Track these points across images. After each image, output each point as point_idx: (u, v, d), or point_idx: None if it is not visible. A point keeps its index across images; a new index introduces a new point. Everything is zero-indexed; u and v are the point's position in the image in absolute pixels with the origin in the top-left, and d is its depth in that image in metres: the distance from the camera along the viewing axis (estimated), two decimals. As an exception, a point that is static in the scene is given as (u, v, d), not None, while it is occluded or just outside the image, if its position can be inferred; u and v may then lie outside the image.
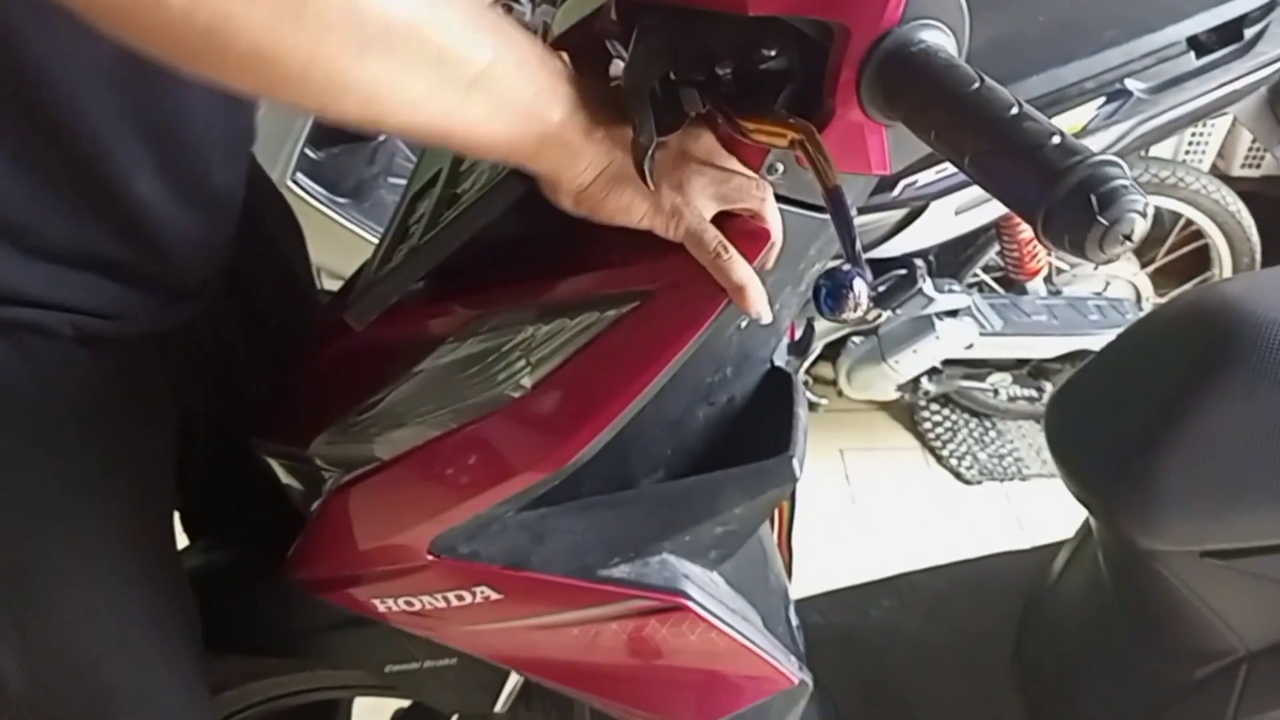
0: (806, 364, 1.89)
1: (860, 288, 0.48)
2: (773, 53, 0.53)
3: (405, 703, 1.15)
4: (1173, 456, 0.85)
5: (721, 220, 0.60)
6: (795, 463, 0.72)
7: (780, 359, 0.82)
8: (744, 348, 0.75)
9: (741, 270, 0.58)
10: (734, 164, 0.59)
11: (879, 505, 2.00)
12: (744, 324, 0.71)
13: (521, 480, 0.67)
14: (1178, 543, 0.87)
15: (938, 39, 0.49)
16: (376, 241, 1.57)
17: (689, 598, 0.74)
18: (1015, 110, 0.44)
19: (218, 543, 0.97)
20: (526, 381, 0.65)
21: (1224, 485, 0.84)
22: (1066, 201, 0.40)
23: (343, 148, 1.53)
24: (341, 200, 1.54)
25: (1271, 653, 0.90)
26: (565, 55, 0.64)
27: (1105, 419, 0.93)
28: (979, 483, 2.04)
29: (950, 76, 0.46)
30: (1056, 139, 0.42)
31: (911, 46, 0.49)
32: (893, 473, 2.08)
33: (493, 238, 0.66)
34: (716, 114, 0.55)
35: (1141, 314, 1.96)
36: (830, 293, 0.48)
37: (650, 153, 0.52)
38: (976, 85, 0.46)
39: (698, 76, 0.55)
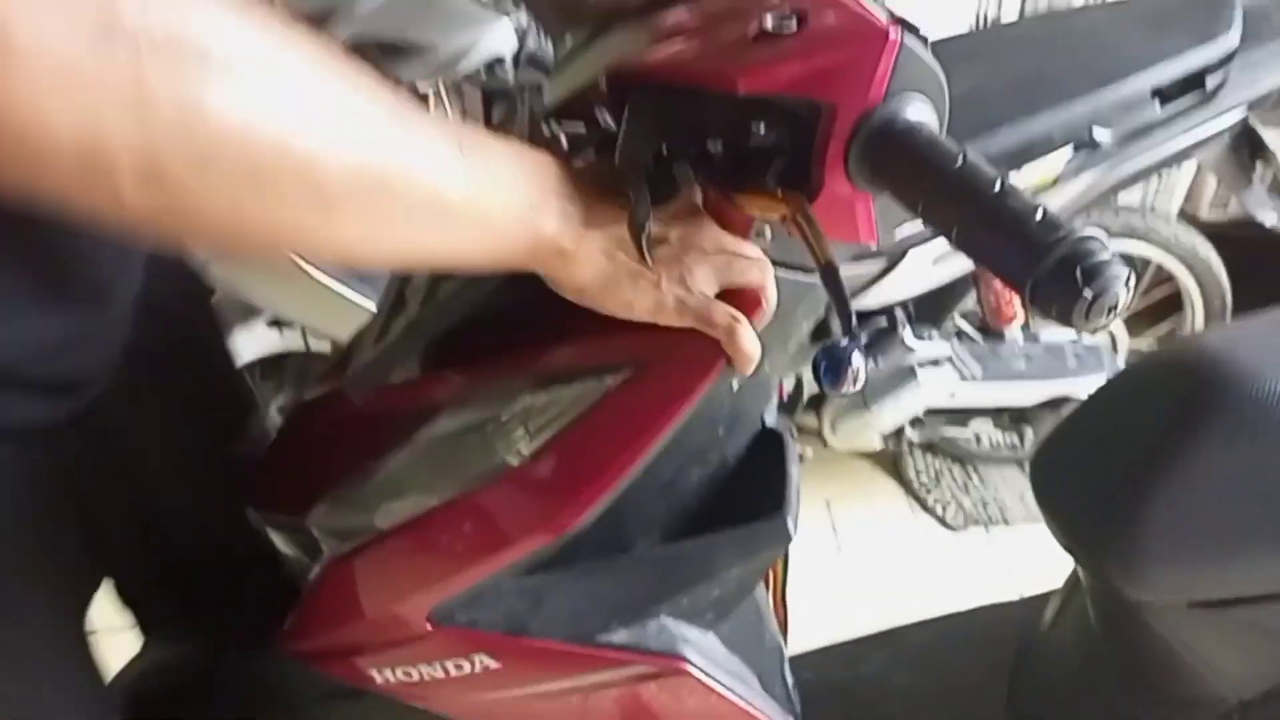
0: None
1: (858, 361, 0.49)
2: (762, 129, 0.55)
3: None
4: (1157, 508, 0.86)
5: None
6: (790, 522, 0.73)
7: (770, 419, 0.83)
8: (736, 409, 0.77)
9: (751, 338, 0.58)
10: (735, 245, 0.59)
11: (866, 554, 2.00)
12: (736, 386, 0.72)
13: (521, 548, 0.68)
14: (1164, 593, 0.88)
15: (920, 111, 0.51)
16: (358, 304, 1.58)
17: (688, 661, 0.74)
18: (998, 187, 0.46)
19: (183, 628, 0.96)
20: (525, 450, 0.65)
21: (1208, 536, 0.85)
22: (1052, 275, 0.42)
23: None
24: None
25: (1262, 701, 0.91)
26: (559, 138, 0.66)
27: (1089, 470, 0.95)
28: (963, 529, 2.05)
29: (934, 153, 0.48)
30: (1040, 214, 0.44)
31: (895, 123, 0.51)
32: (878, 521, 2.09)
33: (487, 306, 0.67)
34: (709, 187, 0.57)
35: (1117, 358, 1.99)
36: (829, 368, 0.50)
37: (646, 230, 0.53)
38: (959, 163, 0.47)
39: (690, 151, 0.56)
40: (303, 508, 0.76)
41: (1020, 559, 1.98)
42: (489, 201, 0.50)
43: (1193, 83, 1.60)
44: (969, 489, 2.13)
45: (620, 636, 0.74)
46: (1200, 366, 0.88)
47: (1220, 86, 1.60)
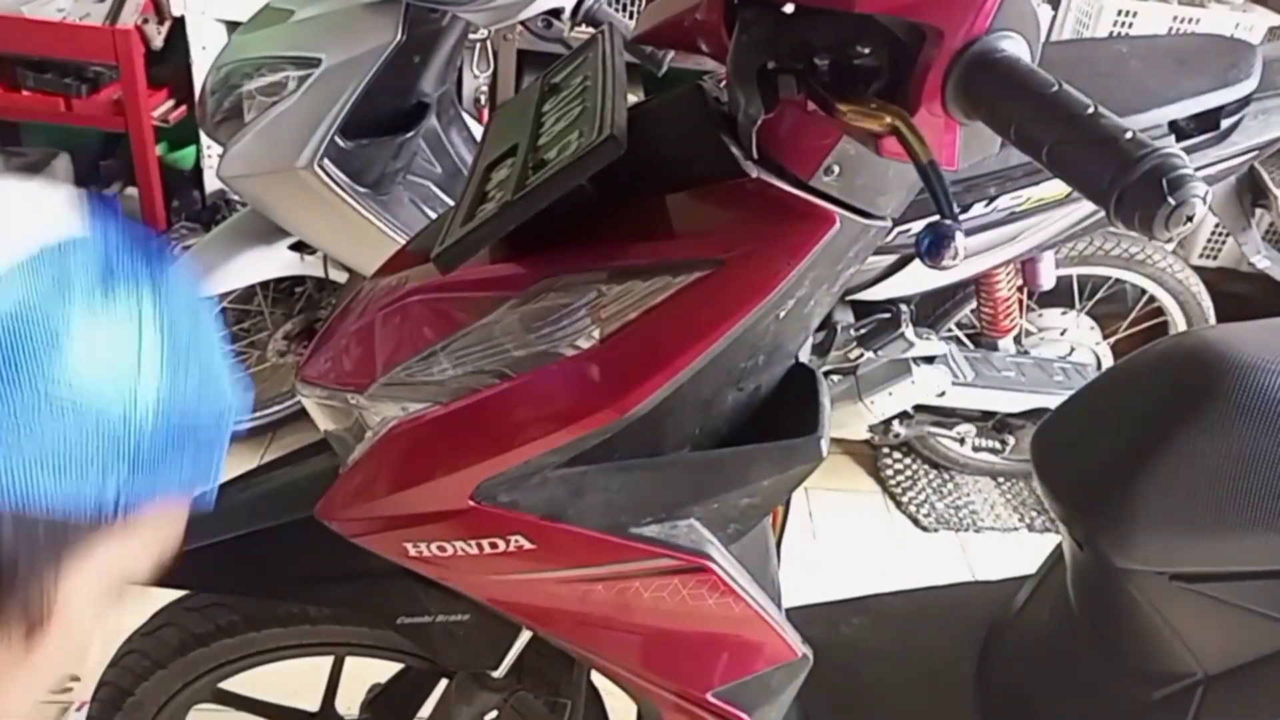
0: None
1: (960, 240, 0.54)
2: (867, 50, 0.59)
3: (383, 677, 1.17)
4: (1151, 482, 0.92)
5: (788, 199, 0.66)
6: (822, 443, 0.78)
7: (804, 357, 0.88)
8: (777, 338, 0.81)
9: None
10: None
11: (839, 542, 2.06)
12: (782, 314, 0.77)
13: (578, 429, 0.71)
14: (1150, 563, 0.94)
15: (1018, 46, 0.56)
16: (389, 234, 1.61)
17: (713, 560, 0.79)
18: (1091, 109, 0.51)
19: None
20: (596, 334, 0.70)
21: (1196, 511, 0.91)
22: (1140, 184, 0.47)
23: (371, 140, 1.57)
24: (362, 190, 1.58)
25: (1227, 677, 0.97)
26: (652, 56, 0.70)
27: (1089, 446, 1.01)
28: (935, 530, 2.11)
29: (1033, 79, 0.53)
30: (1129, 134, 0.49)
31: (996, 53, 0.56)
32: (854, 513, 2.15)
33: (566, 203, 0.71)
34: (811, 99, 0.62)
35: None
36: (933, 242, 0.54)
37: (757, 126, 0.58)
38: (1055, 88, 0.53)
39: (796, 65, 0.61)
40: (362, 382, 0.80)
41: (987, 563, 2.04)
42: None
43: (1208, 122, 1.68)
44: (943, 493, 2.19)
45: (651, 530, 0.78)
46: (1204, 357, 0.94)
47: (1234, 128, 1.68)
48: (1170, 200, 0.46)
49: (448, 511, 0.78)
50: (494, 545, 0.79)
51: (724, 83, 0.72)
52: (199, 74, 2.28)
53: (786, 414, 0.84)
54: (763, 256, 0.67)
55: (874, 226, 0.73)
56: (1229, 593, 0.93)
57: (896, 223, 0.77)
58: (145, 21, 2.23)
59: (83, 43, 2.21)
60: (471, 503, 0.77)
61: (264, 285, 1.86)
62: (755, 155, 0.67)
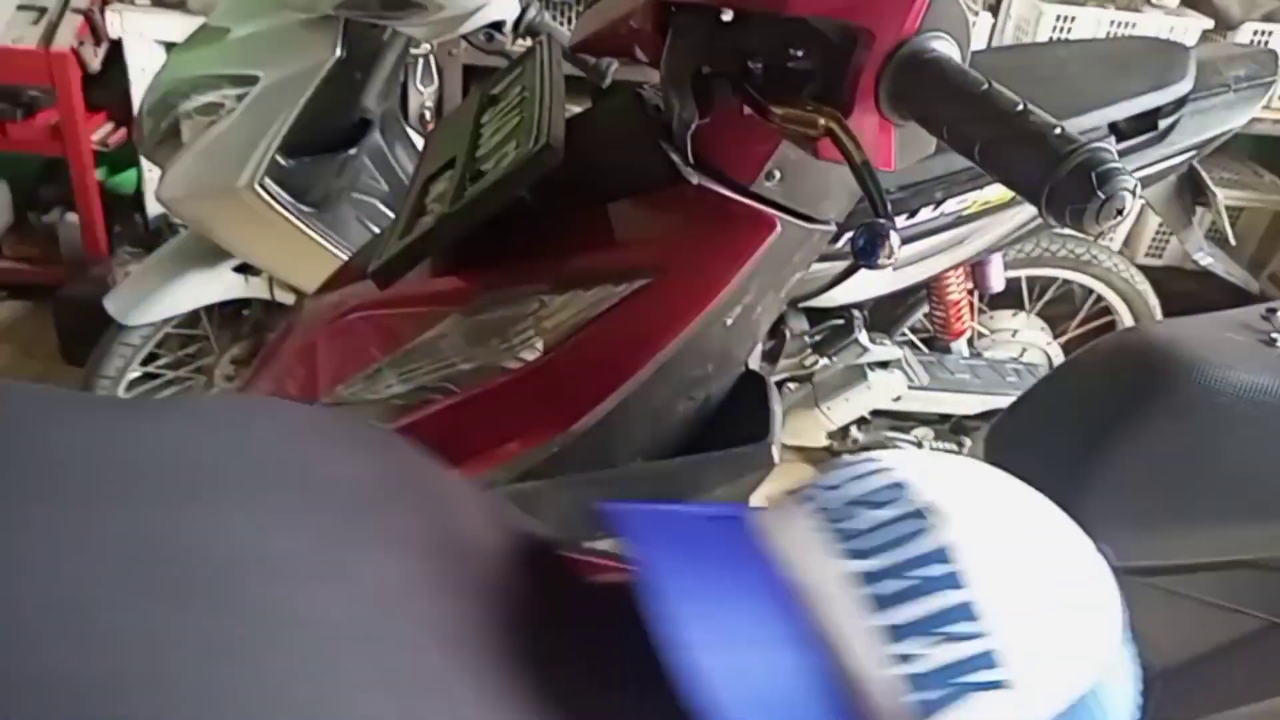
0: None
1: (895, 239, 0.53)
2: (800, 53, 0.59)
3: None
4: (1102, 478, 0.92)
5: (729, 205, 0.66)
6: (774, 449, 0.78)
7: (755, 363, 0.88)
8: (726, 346, 0.81)
9: None
10: None
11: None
12: (729, 322, 0.76)
13: (525, 443, 0.71)
14: (1106, 559, 0.94)
15: (948, 48, 0.56)
16: (334, 252, 1.59)
17: (667, 573, 0.78)
18: (1021, 107, 0.51)
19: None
20: (539, 345, 0.69)
21: (1148, 505, 0.92)
22: (1069, 179, 0.47)
23: (313, 158, 1.55)
24: (306, 209, 1.55)
25: (1184, 669, 0.97)
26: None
27: (1040, 444, 1.01)
28: (896, 534, 2.12)
29: (963, 79, 0.53)
30: (1058, 130, 0.49)
31: (927, 53, 0.56)
32: (815, 520, 2.14)
33: (506, 214, 0.71)
34: (746, 103, 0.61)
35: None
36: (868, 241, 0.54)
37: (691, 130, 0.57)
38: (985, 87, 0.53)
39: (730, 69, 0.61)
40: (307, 401, 0.78)
41: (948, 565, 2.05)
42: None
43: (1147, 123, 1.71)
44: (903, 497, 2.20)
45: (605, 545, 0.77)
46: (1149, 353, 0.95)
47: (1171, 128, 1.71)
48: (1100, 194, 0.46)
49: (396, 532, 0.77)
50: (444, 565, 0.78)
51: (660, 88, 0.71)
52: (138, 96, 2.24)
53: (739, 422, 0.83)
54: (705, 263, 0.67)
55: (817, 231, 0.73)
56: (1184, 585, 0.93)
57: (844, 228, 0.77)
58: (82, 44, 2.19)
59: (17, 66, 2.16)
60: (419, 523, 0.75)
61: (209, 309, 1.82)
62: (693, 161, 0.66)
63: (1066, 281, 2.06)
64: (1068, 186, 0.47)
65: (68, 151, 2.24)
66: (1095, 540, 0.92)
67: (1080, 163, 0.47)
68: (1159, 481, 0.91)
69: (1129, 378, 0.95)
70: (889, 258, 0.53)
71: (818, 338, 1.79)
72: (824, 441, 1.94)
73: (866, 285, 1.75)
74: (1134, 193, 0.47)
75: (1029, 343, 2.10)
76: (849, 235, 1.36)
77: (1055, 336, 2.12)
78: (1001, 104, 0.52)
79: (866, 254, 0.54)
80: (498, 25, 1.45)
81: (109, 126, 2.35)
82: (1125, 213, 0.47)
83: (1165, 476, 0.91)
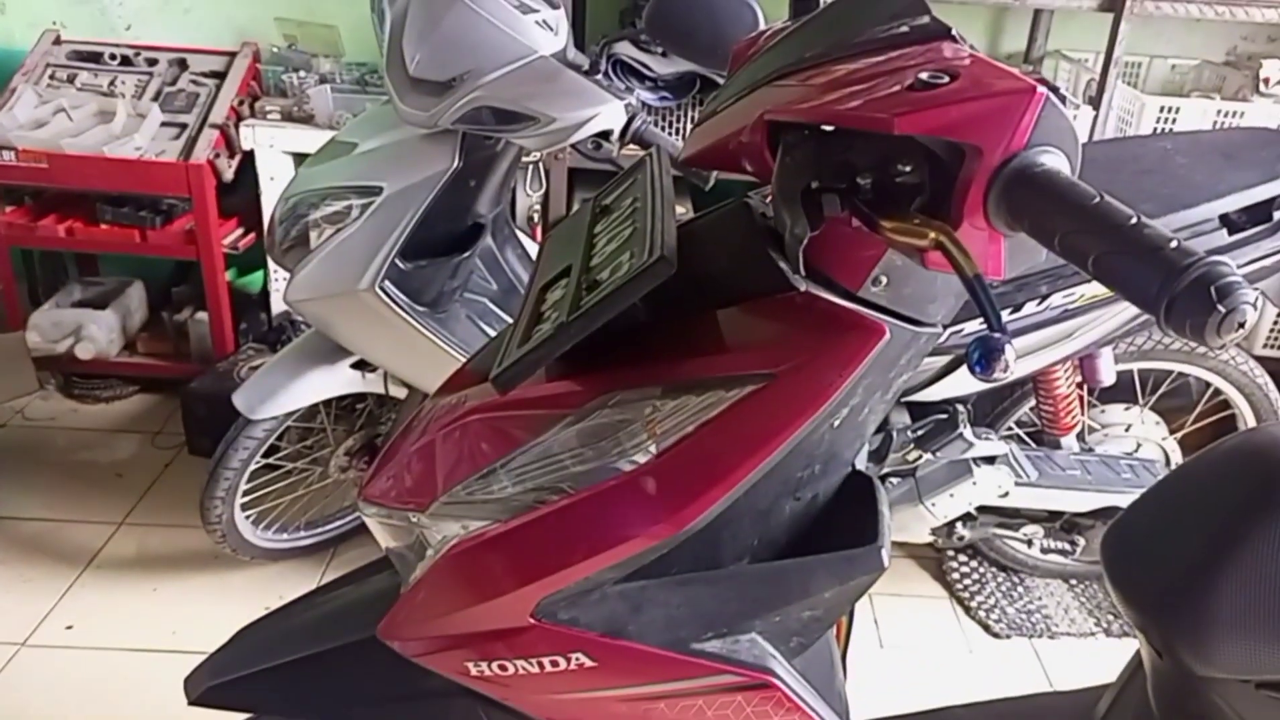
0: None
1: (1010, 353, 0.54)
2: (908, 168, 0.61)
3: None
4: (1227, 586, 0.89)
5: (837, 312, 0.67)
6: (884, 553, 0.77)
7: (860, 463, 0.88)
8: (833, 447, 0.81)
9: None
10: None
11: (907, 651, 2.00)
12: (837, 423, 0.77)
13: (636, 544, 0.72)
14: (1233, 671, 0.90)
15: (1057, 160, 0.57)
16: (447, 350, 1.65)
17: (776, 675, 0.77)
18: (1135, 220, 0.51)
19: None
20: (652, 449, 0.70)
21: (1274, 617, 0.87)
22: (1188, 294, 0.47)
23: (429, 261, 1.63)
24: (421, 309, 1.63)
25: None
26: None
27: (1161, 549, 0.98)
28: (1008, 637, 2.04)
29: (1074, 192, 0.54)
30: (1174, 243, 0.49)
31: (1036, 167, 0.57)
32: (921, 620, 2.09)
33: (619, 321, 0.73)
34: (855, 216, 0.63)
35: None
36: (983, 355, 0.55)
37: (803, 245, 0.59)
38: (1097, 200, 0.54)
39: (839, 185, 0.63)
40: (422, 501, 0.81)
41: (1063, 670, 1.96)
42: None
43: (1260, 214, 1.67)
44: (1014, 597, 2.13)
45: (713, 646, 0.77)
46: (1274, 455, 0.92)
47: (1286, 219, 1.66)
48: (1220, 308, 0.46)
49: (508, 629, 0.79)
50: (555, 663, 0.79)
51: (769, 199, 0.74)
52: (267, 204, 2.39)
53: (846, 522, 0.83)
54: (815, 369, 0.68)
55: (925, 333, 0.74)
56: (1318, 701, 0.88)
57: (950, 324, 0.78)
58: (217, 156, 2.36)
59: (159, 178, 2.33)
60: (532, 620, 0.77)
61: (326, 403, 1.90)
62: (803, 270, 0.68)
63: (1181, 375, 2.00)
64: (1187, 301, 0.47)
65: (200, 255, 2.39)
66: (1219, 653, 0.88)
67: (1198, 276, 0.47)
68: (1290, 590, 0.87)
69: (1253, 482, 0.91)
70: (1004, 371, 0.54)
71: (920, 432, 1.76)
72: (928, 538, 1.90)
73: (970, 380, 1.73)
74: (1255, 305, 0.47)
75: (1144, 438, 2.03)
76: (952, 330, 1.36)
77: (1172, 431, 2.05)
78: (1115, 216, 0.52)
79: (984, 367, 0.54)
80: (605, 134, 1.52)
81: (239, 231, 2.51)
82: (1249, 326, 0.47)
83: (1297, 585, 0.87)
